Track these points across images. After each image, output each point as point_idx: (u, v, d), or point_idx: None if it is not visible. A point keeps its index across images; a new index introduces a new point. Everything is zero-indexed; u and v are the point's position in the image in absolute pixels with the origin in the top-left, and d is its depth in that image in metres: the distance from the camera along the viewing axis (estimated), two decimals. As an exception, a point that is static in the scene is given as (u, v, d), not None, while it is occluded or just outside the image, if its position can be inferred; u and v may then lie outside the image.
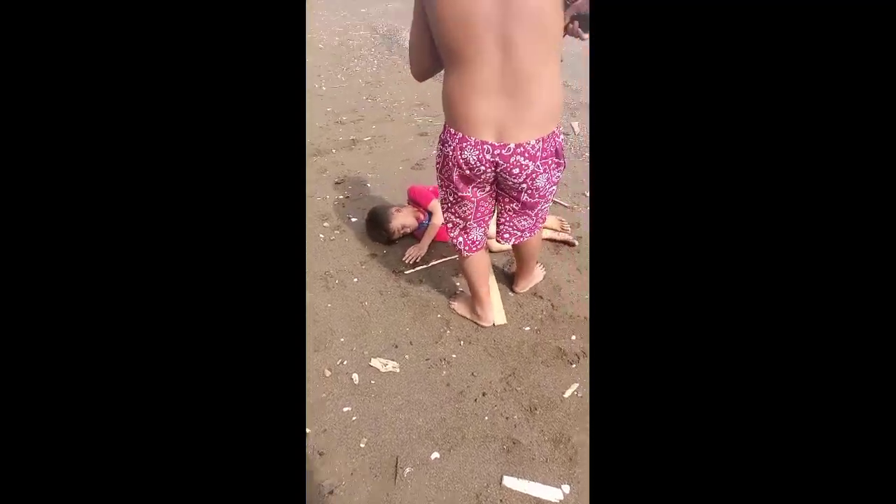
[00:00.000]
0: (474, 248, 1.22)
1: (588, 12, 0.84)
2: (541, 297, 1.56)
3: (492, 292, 1.46)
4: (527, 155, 0.96)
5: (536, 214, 1.14)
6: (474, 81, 0.90)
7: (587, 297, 1.51)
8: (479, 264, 1.29)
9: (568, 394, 1.24)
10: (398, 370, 1.33)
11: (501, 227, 1.19)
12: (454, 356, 1.37)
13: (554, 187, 1.09)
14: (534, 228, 1.19)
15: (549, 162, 0.99)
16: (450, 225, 1.21)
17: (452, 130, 0.99)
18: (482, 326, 1.44)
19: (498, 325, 1.45)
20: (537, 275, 1.57)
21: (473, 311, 1.43)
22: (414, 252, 1.73)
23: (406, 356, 1.37)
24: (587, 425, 1.14)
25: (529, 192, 1.04)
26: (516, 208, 1.12)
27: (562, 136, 1.03)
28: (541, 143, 0.96)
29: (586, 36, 0.87)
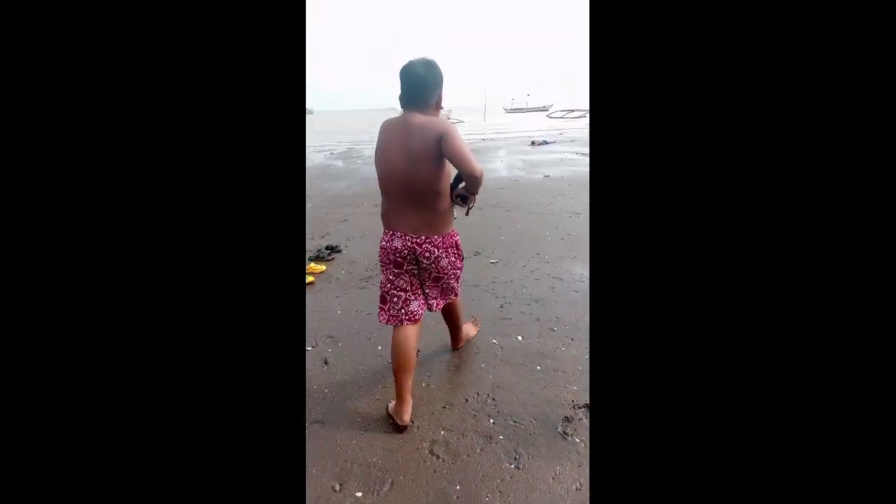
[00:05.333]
0: (414, 319, 1.56)
1: (466, 194, 1.46)
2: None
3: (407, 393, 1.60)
4: (432, 244, 1.47)
5: (448, 284, 1.62)
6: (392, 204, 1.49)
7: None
8: (408, 345, 1.55)
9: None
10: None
11: (430, 300, 1.61)
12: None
13: (456, 270, 1.59)
14: (449, 294, 1.65)
15: (449, 251, 1.52)
16: (394, 300, 1.55)
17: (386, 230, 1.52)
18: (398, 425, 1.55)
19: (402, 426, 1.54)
20: (469, 330, 2.12)
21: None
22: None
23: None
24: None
25: (437, 270, 1.54)
26: (433, 283, 1.59)
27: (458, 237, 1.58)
28: (440, 238, 1.48)
29: (465, 209, 1.51)
